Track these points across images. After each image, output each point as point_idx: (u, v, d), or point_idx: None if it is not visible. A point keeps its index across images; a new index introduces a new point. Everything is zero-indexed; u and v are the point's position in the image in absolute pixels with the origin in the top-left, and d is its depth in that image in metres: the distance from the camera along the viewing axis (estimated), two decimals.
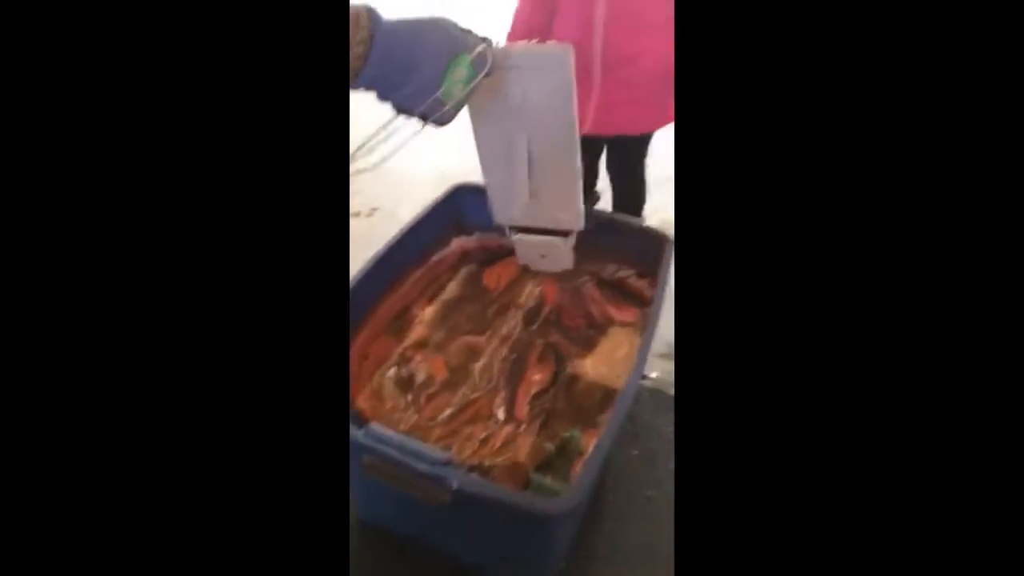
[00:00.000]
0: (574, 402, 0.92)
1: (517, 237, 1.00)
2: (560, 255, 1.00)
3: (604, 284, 1.09)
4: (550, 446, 0.86)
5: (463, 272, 1.12)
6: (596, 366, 0.97)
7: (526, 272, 1.11)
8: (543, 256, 1.02)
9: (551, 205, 0.91)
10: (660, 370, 1.29)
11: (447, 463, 0.65)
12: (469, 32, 0.64)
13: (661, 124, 1.30)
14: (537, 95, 0.76)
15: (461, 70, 0.62)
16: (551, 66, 0.73)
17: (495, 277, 1.11)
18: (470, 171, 0.94)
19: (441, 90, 0.61)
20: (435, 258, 1.13)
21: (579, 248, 1.09)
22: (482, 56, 0.63)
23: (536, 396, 0.92)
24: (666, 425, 1.20)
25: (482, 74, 0.63)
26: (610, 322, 1.04)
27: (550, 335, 1.02)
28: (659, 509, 1.07)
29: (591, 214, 1.03)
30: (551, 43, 0.75)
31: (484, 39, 0.66)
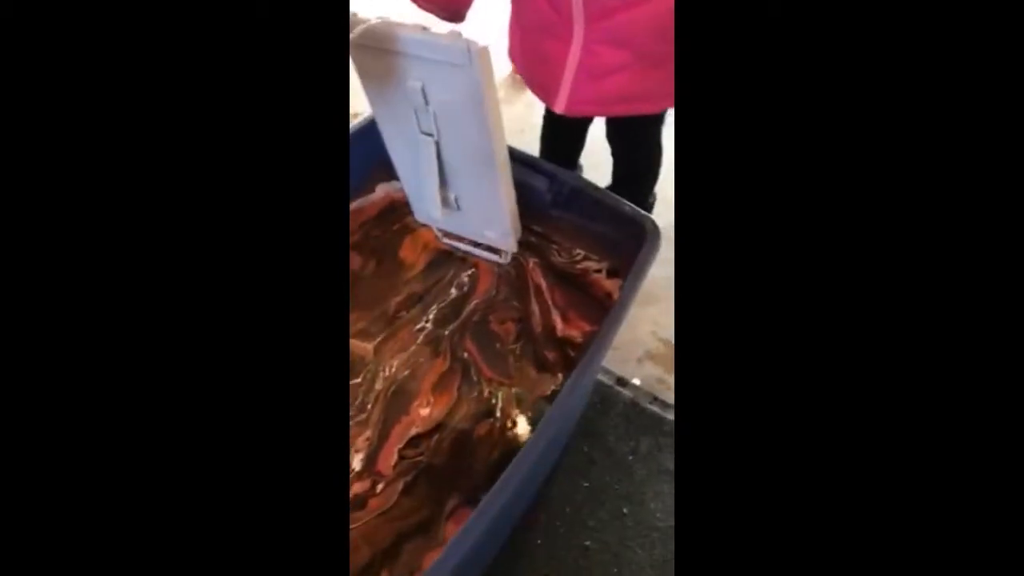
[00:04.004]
0: (463, 457, 0.67)
1: (447, 242, 0.82)
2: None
3: (560, 277, 0.79)
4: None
5: (377, 235, 0.84)
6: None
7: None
8: None
9: (477, 220, 0.73)
10: (643, 375, 1.00)
11: None
12: None
13: (665, 104, 0.86)
14: (442, 95, 0.59)
15: None
16: (456, 66, 0.54)
17: (417, 248, 0.83)
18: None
19: None
20: (352, 206, 0.86)
21: (541, 222, 0.80)
22: None
23: (415, 440, 0.68)
24: (632, 453, 0.93)
25: None
26: (551, 336, 0.75)
27: (464, 346, 0.75)
28: (593, 567, 0.84)
29: (562, 178, 0.74)
30: (458, 36, 0.53)
31: None
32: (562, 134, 1.11)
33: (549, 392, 0.71)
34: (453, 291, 0.79)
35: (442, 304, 0.78)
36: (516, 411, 0.70)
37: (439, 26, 0.59)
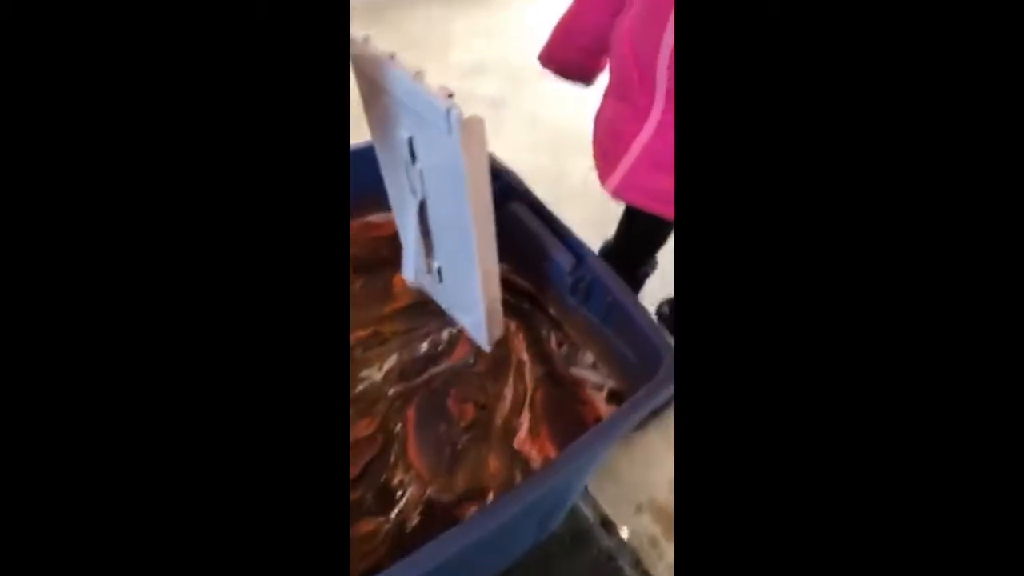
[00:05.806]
0: None
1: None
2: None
3: (550, 376, 0.63)
4: None
5: (386, 255, 0.73)
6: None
7: None
8: None
9: (454, 301, 0.62)
10: (635, 527, 0.79)
11: None
12: None
13: None
14: (429, 156, 0.48)
15: None
16: (437, 127, 0.43)
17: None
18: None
19: None
20: (368, 220, 0.76)
21: (555, 305, 0.65)
22: None
23: None
24: None
25: None
26: (505, 440, 0.59)
27: (403, 414, 0.61)
28: None
29: (590, 263, 0.59)
30: (446, 96, 0.41)
31: None
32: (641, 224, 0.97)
33: (467, 514, 0.55)
34: (424, 346, 0.66)
35: (404, 357, 0.65)
36: (418, 519, 0.54)
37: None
